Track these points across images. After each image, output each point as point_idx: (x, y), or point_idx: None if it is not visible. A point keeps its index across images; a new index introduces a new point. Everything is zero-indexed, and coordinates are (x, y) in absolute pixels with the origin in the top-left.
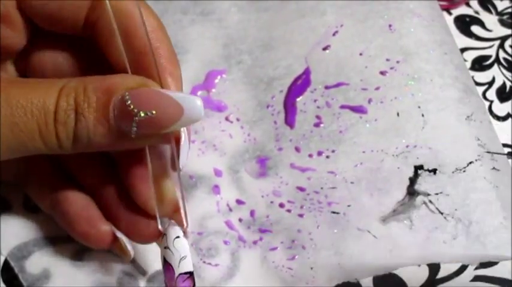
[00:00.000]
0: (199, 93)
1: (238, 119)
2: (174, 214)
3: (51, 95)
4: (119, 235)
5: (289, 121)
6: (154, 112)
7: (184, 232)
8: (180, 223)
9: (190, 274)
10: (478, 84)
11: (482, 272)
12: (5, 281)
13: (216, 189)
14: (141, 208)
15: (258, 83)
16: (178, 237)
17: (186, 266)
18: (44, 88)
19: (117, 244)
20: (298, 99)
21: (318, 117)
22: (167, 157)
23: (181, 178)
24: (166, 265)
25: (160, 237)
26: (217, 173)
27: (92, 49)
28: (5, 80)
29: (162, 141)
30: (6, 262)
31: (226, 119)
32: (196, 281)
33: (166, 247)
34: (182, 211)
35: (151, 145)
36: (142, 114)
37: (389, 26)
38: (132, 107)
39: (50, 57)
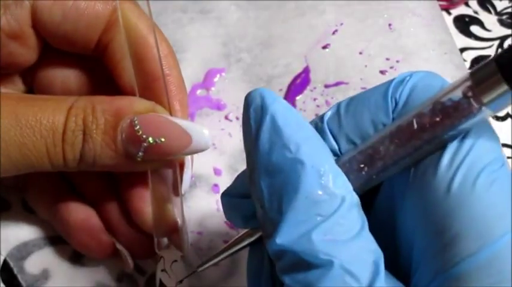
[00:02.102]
0: (198, 91)
1: (237, 118)
2: (172, 236)
3: (60, 115)
4: (119, 246)
5: None
6: (163, 140)
7: (183, 256)
8: (177, 246)
9: None
10: None
11: None
12: (4, 282)
13: (215, 188)
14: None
15: (257, 81)
16: (176, 261)
17: None
18: (52, 107)
19: (117, 256)
20: (297, 98)
21: (317, 116)
22: (168, 178)
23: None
24: None
25: (155, 256)
26: (217, 172)
27: (100, 69)
28: (14, 97)
29: (166, 166)
30: (5, 262)
31: (226, 117)
32: (195, 281)
33: (163, 270)
34: (184, 237)
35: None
36: (151, 141)
37: (389, 25)
38: (140, 132)
39: (59, 74)
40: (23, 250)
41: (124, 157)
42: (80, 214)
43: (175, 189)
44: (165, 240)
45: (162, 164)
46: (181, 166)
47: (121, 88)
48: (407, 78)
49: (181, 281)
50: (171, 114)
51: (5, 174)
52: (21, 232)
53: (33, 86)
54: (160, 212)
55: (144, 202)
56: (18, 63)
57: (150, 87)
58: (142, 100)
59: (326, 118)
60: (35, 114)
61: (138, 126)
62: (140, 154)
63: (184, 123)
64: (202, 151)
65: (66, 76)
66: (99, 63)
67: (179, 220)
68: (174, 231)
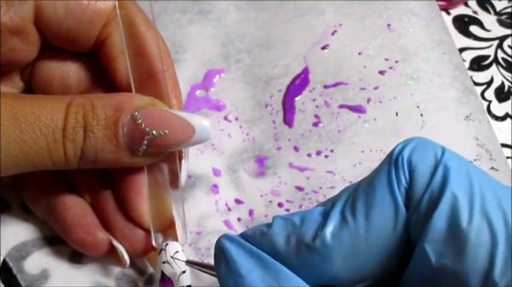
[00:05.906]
0: (197, 92)
1: (236, 119)
2: (168, 230)
3: (58, 112)
4: (116, 243)
5: (288, 121)
6: (166, 131)
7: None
8: (175, 239)
9: None
10: (476, 84)
11: None
12: (3, 282)
13: (214, 188)
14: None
15: (256, 82)
16: (177, 252)
17: (186, 280)
18: (50, 105)
19: (114, 252)
20: (296, 99)
21: (316, 116)
22: (165, 172)
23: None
24: (165, 278)
25: (152, 251)
26: (216, 172)
27: (97, 66)
28: (11, 96)
29: (165, 159)
30: (4, 263)
31: (225, 118)
32: (195, 281)
33: (165, 262)
34: (180, 227)
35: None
36: (154, 133)
37: (388, 25)
38: (143, 125)
39: (58, 71)
40: (22, 250)
41: (125, 151)
42: (76, 211)
43: (174, 182)
44: (159, 235)
45: (162, 158)
46: (180, 158)
47: (116, 84)
48: (401, 160)
49: (184, 272)
50: (170, 107)
51: (5, 173)
52: (20, 232)
53: (31, 83)
54: (158, 206)
55: (141, 197)
56: (19, 60)
57: (147, 82)
58: (141, 95)
59: (328, 235)
60: (33, 111)
61: (140, 120)
62: (143, 147)
63: (185, 114)
64: (204, 141)
65: (65, 73)
66: (96, 60)
67: (179, 211)
68: (170, 226)
